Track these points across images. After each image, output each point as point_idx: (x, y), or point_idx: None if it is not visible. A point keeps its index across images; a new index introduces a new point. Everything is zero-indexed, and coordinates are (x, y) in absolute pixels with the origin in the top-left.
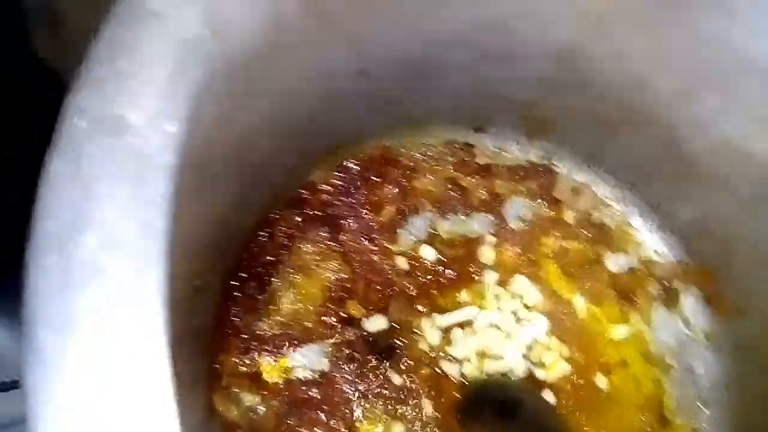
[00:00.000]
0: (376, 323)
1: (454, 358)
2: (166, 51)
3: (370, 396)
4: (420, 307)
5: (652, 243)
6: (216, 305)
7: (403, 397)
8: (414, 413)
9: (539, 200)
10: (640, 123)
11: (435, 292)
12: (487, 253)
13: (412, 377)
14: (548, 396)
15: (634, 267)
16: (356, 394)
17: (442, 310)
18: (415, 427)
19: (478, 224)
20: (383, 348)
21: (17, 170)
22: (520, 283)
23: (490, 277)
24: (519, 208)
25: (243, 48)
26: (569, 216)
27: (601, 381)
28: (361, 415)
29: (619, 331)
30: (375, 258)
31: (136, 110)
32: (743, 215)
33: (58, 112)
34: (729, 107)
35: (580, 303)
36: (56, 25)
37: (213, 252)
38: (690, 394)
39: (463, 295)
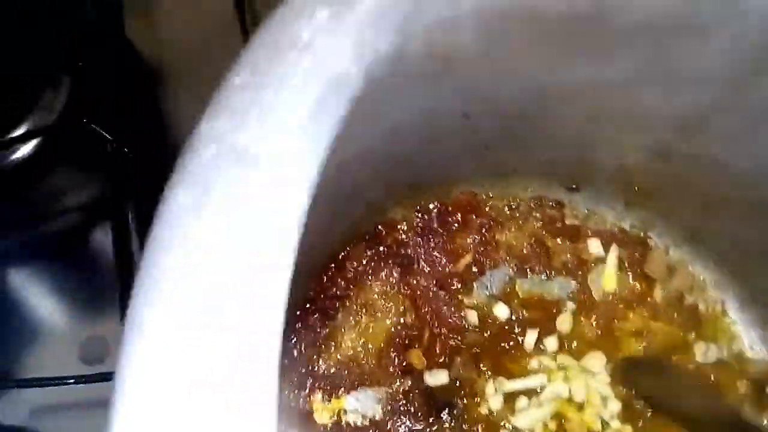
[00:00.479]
0: (437, 377)
1: (515, 428)
2: (313, 86)
3: None
4: (485, 368)
5: (748, 338)
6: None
7: None
8: None
9: (628, 273)
10: (759, 208)
11: (503, 353)
12: (564, 321)
13: None
14: None
15: (724, 360)
16: None
17: (509, 374)
18: None
19: (558, 288)
20: (441, 405)
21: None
22: (597, 359)
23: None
24: (606, 277)
25: (370, 84)
26: (659, 294)
27: None
28: None
29: None
30: (445, 308)
31: (274, 145)
32: None
33: (144, 98)
34: None
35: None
36: (151, 12)
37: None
38: None
39: (533, 362)
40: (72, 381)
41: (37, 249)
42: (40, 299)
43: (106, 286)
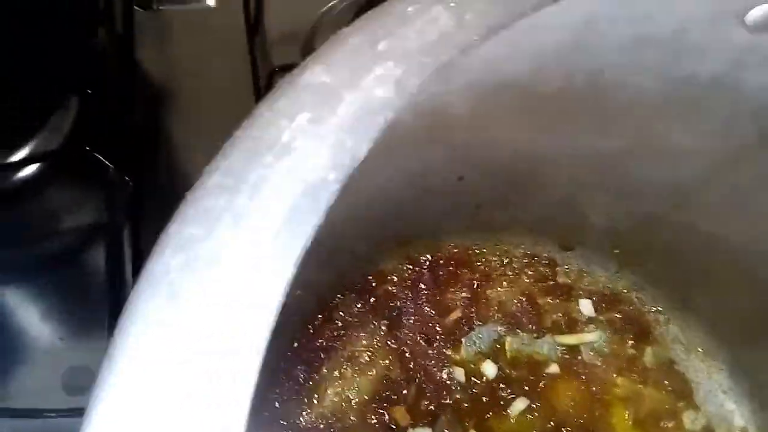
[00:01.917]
0: None
1: None
2: (289, 192)
3: None
4: (469, 426)
5: (739, 411)
6: (259, 385)
7: None
8: None
9: (620, 335)
10: (750, 281)
11: (488, 413)
12: (552, 382)
13: None
14: None
15: (712, 429)
16: None
17: None
18: None
19: (548, 348)
20: None
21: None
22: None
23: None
24: (595, 339)
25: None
26: (650, 359)
27: None
28: None
29: None
30: (431, 363)
31: (242, 257)
32: None
33: (150, 124)
34: None
35: None
36: (161, 41)
37: (271, 333)
38: None
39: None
40: (53, 414)
41: (30, 270)
42: (28, 321)
43: (96, 313)
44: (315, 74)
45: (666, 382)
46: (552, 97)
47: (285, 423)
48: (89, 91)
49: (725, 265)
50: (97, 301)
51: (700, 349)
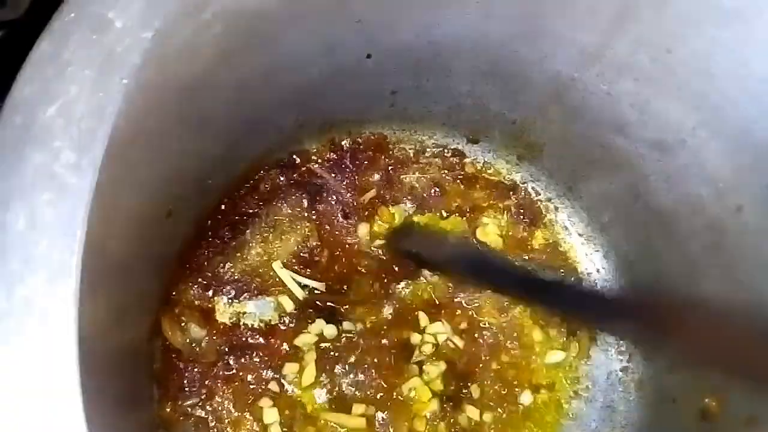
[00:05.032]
0: (332, 293)
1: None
2: None
3: None
4: (376, 288)
5: (609, 285)
6: (186, 238)
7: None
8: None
9: (513, 219)
10: (618, 165)
11: (395, 276)
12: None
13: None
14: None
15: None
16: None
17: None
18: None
19: (450, 227)
20: (332, 315)
21: None
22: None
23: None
24: (492, 223)
25: (266, 9)
26: (538, 241)
27: (526, 398)
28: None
29: (554, 357)
30: (345, 234)
31: (121, 14)
32: (692, 272)
33: None
34: (694, 167)
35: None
36: None
37: (194, 186)
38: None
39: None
40: None
41: None
42: None
43: None
44: None
45: (550, 258)
46: None
47: (209, 274)
48: None
49: (600, 152)
50: None
51: (581, 233)
